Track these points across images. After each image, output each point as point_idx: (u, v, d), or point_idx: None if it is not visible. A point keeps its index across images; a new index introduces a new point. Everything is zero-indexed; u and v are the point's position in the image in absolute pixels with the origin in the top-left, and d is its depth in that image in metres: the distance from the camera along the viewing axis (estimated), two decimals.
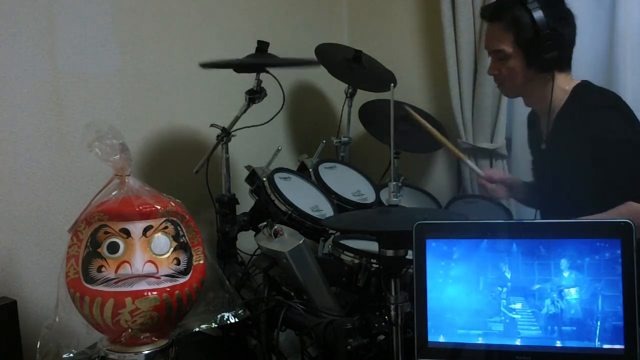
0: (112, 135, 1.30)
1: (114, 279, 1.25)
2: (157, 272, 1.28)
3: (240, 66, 1.85)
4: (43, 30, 1.72)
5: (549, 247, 1.10)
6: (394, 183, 1.29)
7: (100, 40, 1.86)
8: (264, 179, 1.83)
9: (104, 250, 1.26)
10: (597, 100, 1.61)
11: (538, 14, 1.54)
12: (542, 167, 1.79)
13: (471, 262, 1.14)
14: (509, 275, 1.12)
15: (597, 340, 1.07)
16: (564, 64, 1.64)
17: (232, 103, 1.96)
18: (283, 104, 1.99)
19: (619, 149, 1.51)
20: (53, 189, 1.76)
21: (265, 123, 1.97)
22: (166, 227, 1.32)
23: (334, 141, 2.30)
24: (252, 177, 1.89)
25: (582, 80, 1.66)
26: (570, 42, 1.63)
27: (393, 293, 1.21)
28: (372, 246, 1.61)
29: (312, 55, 2.18)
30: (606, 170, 1.51)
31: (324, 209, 1.84)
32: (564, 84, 1.64)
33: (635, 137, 1.53)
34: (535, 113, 1.77)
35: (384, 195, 1.98)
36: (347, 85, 2.32)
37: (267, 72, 1.89)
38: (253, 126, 1.96)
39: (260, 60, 1.86)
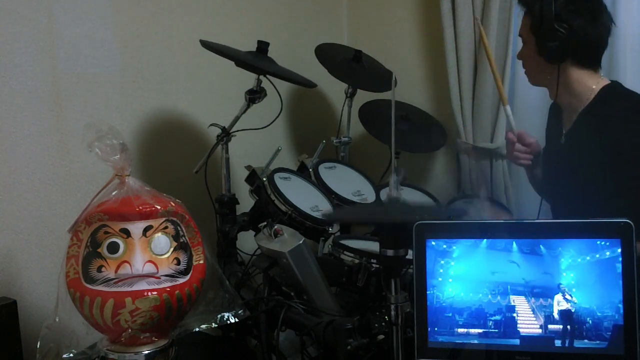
0: (112, 135, 1.30)
1: (114, 279, 1.25)
2: (157, 272, 1.28)
3: (239, 62, 1.84)
4: (43, 30, 1.72)
5: (549, 247, 1.10)
6: (395, 177, 1.28)
7: (100, 40, 1.86)
8: (264, 179, 1.83)
9: (104, 250, 1.27)
10: (623, 104, 1.59)
11: (548, 2, 1.54)
12: (556, 160, 1.77)
13: (471, 262, 1.14)
14: (508, 275, 1.12)
15: (597, 339, 1.07)
16: (584, 60, 1.61)
17: (232, 103, 1.96)
18: (281, 111, 1.99)
19: (636, 158, 1.49)
20: (53, 189, 1.76)
21: (264, 127, 1.98)
22: (166, 227, 1.32)
23: (334, 141, 2.30)
24: (252, 177, 1.88)
25: (612, 81, 1.64)
26: (586, 37, 1.58)
27: (393, 293, 1.20)
28: (372, 246, 1.61)
29: (312, 55, 2.19)
30: (620, 177, 1.49)
31: (324, 209, 1.84)
32: (590, 82, 1.61)
33: None
34: (558, 105, 1.75)
35: (384, 196, 1.98)
36: (347, 85, 2.32)
37: (267, 78, 1.89)
38: (253, 129, 1.96)
39: (259, 64, 1.85)
